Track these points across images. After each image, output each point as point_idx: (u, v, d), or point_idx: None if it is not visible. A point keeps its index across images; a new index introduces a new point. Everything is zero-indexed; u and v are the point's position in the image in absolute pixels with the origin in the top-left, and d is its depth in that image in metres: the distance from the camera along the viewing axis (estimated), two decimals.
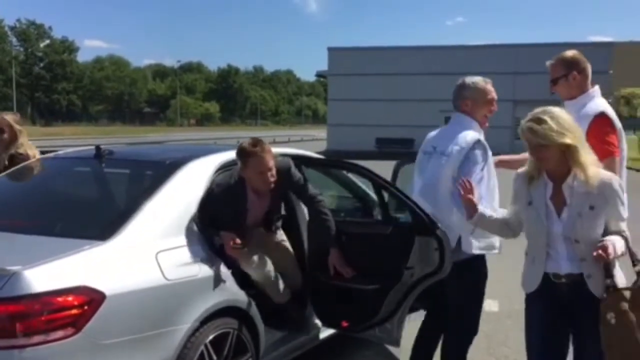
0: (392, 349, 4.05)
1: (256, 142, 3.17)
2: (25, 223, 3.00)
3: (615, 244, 2.46)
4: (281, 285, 3.50)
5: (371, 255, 3.40)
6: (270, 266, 3.44)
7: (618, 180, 2.56)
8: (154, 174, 3.22)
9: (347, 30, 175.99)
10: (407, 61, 32.41)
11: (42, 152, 4.25)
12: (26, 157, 3.92)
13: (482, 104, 3.27)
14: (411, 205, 3.16)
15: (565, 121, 2.49)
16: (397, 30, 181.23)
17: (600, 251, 2.40)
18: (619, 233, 2.54)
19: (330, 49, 34.98)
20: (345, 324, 3.52)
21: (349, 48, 35.66)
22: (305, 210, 3.68)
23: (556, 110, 2.54)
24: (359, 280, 3.39)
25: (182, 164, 3.18)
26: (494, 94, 3.31)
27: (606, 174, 2.53)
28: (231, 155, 3.46)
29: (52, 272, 2.37)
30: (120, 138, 37.20)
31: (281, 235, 3.68)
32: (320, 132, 47.89)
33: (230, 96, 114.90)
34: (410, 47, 35.23)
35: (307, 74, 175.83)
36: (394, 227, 3.43)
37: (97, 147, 3.37)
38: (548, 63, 3.24)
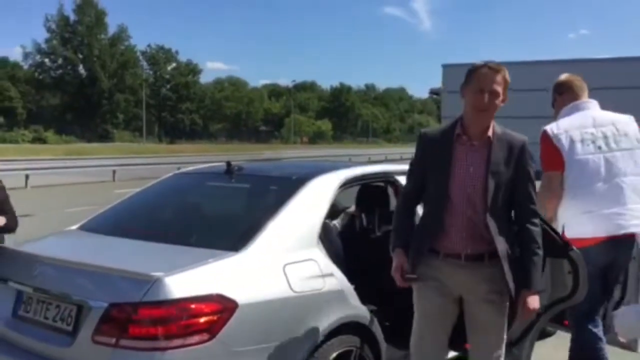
0: None
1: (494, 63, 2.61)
2: (164, 233, 3.20)
3: None
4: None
5: None
6: (446, 323, 2.74)
7: None
8: (281, 188, 3.32)
9: (461, 46, 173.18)
10: (524, 76, 31.18)
11: None
12: None
13: None
14: (541, 224, 3.03)
15: None
16: (516, 45, 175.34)
17: None
18: None
19: (444, 66, 34.52)
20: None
21: (464, 64, 34.68)
22: None
23: None
24: None
25: (308, 180, 3.26)
26: None
27: None
28: (354, 172, 3.51)
29: (190, 279, 2.51)
30: (237, 155, 38.73)
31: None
32: None
33: (342, 114, 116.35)
34: (528, 62, 33.89)
35: (419, 92, 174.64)
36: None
37: (228, 163, 3.55)
38: None
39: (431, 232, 2.62)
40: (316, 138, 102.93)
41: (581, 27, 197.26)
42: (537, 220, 2.65)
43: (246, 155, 39.79)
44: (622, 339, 3.20)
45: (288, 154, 42.02)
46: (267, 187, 3.52)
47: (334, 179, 3.36)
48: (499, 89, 2.56)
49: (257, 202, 3.49)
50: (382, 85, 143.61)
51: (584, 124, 3.40)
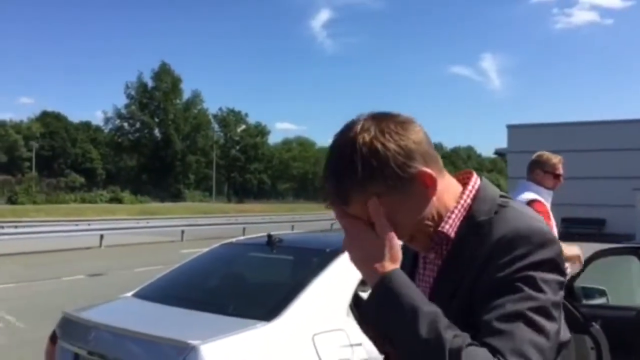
0: None
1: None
2: (205, 302, 3.49)
3: None
4: None
5: None
6: None
7: None
8: (315, 261, 3.55)
9: (531, 104, 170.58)
10: (594, 137, 30.54)
11: None
12: None
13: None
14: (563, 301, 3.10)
15: None
16: (592, 102, 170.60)
17: None
18: None
19: (509, 127, 34.26)
20: None
21: (530, 125, 34.58)
22: None
23: None
24: None
25: (341, 252, 3.46)
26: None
27: None
28: None
29: (223, 347, 2.74)
30: (301, 215, 39.38)
31: None
32: None
33: None
34: (597, 122, 33.17)
35: (488, 150, 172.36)
36: None
37: (269, 235, 3.83)
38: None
39: None
40: None
41: None
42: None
43: (311, 215, 40.34)
44: None
45: None
46: (303, 258, 3.76)
47: None
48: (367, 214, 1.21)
49: (292, 273, 3.74)
50: (449, 144, 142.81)
51: None
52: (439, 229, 1.26)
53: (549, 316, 1.12)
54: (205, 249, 4.32)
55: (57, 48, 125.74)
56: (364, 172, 1.18)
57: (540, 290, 1.12)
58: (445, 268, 1.27)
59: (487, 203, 1.27)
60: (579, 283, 4.21)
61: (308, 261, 3.68)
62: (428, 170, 1.21)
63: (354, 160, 1.18)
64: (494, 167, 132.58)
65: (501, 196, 1.29)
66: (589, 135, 30.67)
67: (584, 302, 3.92)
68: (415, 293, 1.14)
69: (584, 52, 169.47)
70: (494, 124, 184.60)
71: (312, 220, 35.22)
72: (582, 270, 4.14)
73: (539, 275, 1.14)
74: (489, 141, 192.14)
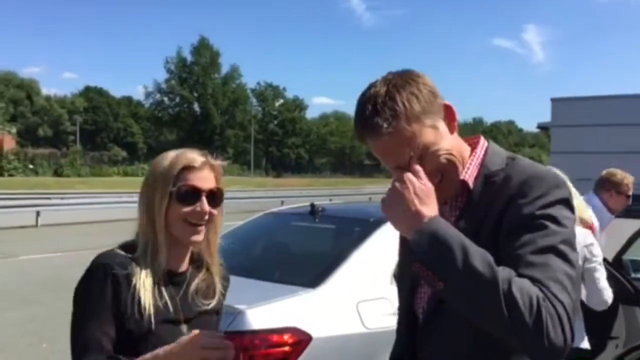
0: None
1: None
2: (251, 269, 3.53)
3: None
4: None
5: None
6: None
7: None
8: (358, 230, 3.56)
9: (576, 77, 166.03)
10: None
11: None
12: None
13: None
14: (614, 272, 3.04)
15: None
16: (636, 76, 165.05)
17: None
18: None
19: (553, 100, 33.33)
20: None
21: (575, 98, 33.57)
22: None
23: None
24: None
25: (384, 222, 3.46)
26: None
27: None
28: None
29: (269, 313, 2.79)
30: (339, 189, 39.36)
31: None
32: None
33: None
34: None
35: (530, 125, 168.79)
36: None
37: (312, 205, 3.84)
38: None
39: None
40: None
41: None
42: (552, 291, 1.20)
43: (349, 189, 40.34)
44: None
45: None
46: (347, 228, 3.78)
47: None
48: (394, 155, 1.35)
49: (336, 242, 3.75)
50: (490, 118, 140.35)
51: None
52: (460, 177, 1.40)
53: (572, 247, 1.27)
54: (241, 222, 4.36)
55: (100, 24, 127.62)
56: (401, 97, 1.31)
57: (562, 225, 1.27)
58: (464, 215, 1.39)
59: (497, 157, 1.43)
60: (628, 256, 4.13)
61: (351, 230, 3.69)
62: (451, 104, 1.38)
63: (391, 91, 1.32)
64: (536, 142, 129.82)
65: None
66: (637, 109, 29.64)
67: (633, 275, 3.86)
68: (460, 234, 1.24)
69: (631, 24, 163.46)
70: (536, 98, 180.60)
71: (350, 194, 35.21)
72: (631, 244, 4.06)
73: (559, 212, 1.28)
74: (531, 115, 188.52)
